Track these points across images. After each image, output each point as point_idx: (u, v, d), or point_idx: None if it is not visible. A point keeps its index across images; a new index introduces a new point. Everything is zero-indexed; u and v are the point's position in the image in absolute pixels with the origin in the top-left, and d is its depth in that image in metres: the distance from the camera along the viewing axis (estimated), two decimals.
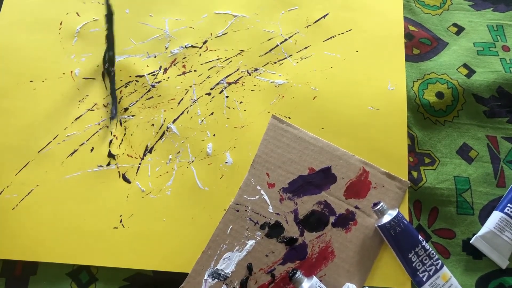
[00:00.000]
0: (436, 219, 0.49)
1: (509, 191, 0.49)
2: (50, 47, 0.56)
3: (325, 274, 0.46)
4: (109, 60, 0.55)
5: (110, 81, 0.54)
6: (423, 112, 0.53)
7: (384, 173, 0.49)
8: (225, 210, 0.48)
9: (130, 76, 0.55)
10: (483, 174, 0.50)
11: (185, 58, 0.56)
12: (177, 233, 0.48)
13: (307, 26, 0.57)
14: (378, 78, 0.54)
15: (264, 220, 0.48)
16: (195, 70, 0.55)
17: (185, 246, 0.47)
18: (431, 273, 0.44)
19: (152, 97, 0.54)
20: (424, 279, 0.44)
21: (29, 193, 0.50)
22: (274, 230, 0.48)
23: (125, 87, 0.55)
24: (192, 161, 0.51)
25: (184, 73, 0.55)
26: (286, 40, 0.57)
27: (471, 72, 0.54)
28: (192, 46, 0.57)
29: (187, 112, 0.53)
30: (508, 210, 0.47)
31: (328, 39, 0.57)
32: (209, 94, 0.54)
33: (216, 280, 0.46)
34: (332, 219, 0.48)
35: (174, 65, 0.56)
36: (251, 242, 0.47)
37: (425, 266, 0.45)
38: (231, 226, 0.48)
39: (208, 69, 0.55)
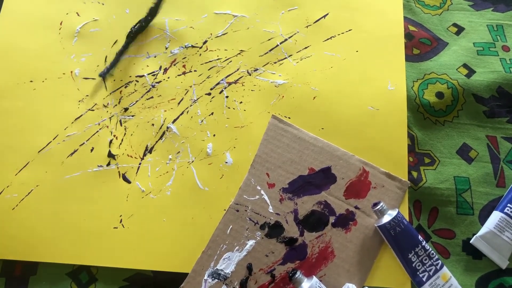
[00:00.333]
0: (436, 219, 0.49)
1: (509, 191, 0.49)
2: (50, 47, 0.56)
3: (325, 274, 0.46)
4: (150, 11, 0.56)
5: (126, 41, 0.55)
6: (423, 112, 0.53)
7: (384, 173, 0.49)
8: (225, 210, 0.48)
9: (130, 76, 0.55)
10: (483, 174, 0.50)
11: (185, 58, 0.56)
12: (177, 233, 0.48)
13: (307, 26, 0.57)
14: (378, 78, 0.54)
15: (264, 220, 0.48)
16: (195, 70, 0.55)
17: (185, 246, 0.47)
18: (431, 273, 0.44)
19: (152, 97, 0.54)
20: (424, 279, 0.44)
21: (29, 193, 0.50)
22: (274, 230, 0.48)
23: (125, 87, 0.55)
24: (192, 161, 0.51)
25: (184, 73, 0.55)
26: (286, 40, 0.57)
27: (471, 72, 0.54)
28: (192, 46, 0.57)
29: (187, 112, 0.53)
30: (508, 210, 0.47)
31: (328, 39, 0.57)
32: (209, 94, 0.54)
33: (216, 280, 0.46)
34: (332, 219, 0.48)
35: (174, 65, 0.56)
36: (251, 242, 0.47)
37: (425, 266, 0.45)
38: (231, 226, 0.48)
39: (208, 69, 0.55)
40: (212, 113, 0.53)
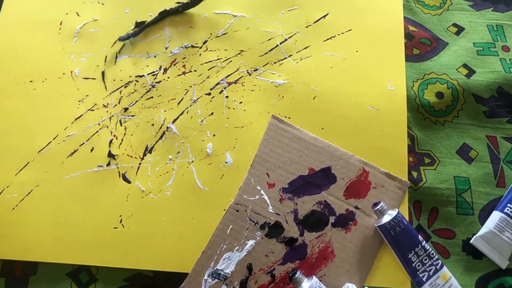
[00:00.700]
0: (436, 219, 0.49)
1: (509, 191, 0.49)
2: (50, 47, 0.56)
3: (325, 274, 0.46)
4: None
5: (158, 16, 0.56)
6: (423, 112, 0.53)
7: (384, 173, 0.49)
8: (225, 210, 0.48)
9: (130, 76, 0.55)
10: (483, 174, 0.50)
11: (185, 58, 0.56)
12: (177, 233, 0.48)
13: (307, 26, 0.57)
14: (378, 78, 0.54)
15: (264, 220, 0.48)
16: (195, 70, 0.55)
17: (185, 246, 0.47)
18: (431, 273, 0.44)
19: (152, 97, 0.54)
20: (424, 279, 0.44)
21: (29, 193, 0.50)
22: (274, 230, 0.48)
23: (125, 87, 0.55)
24: (192, 161, 0.51)
25: (184, 73, 0.55)
26: (286, 40, 0.57)
27: (471, 72, 0.54)
28: (192, 46, 0.57)
29: (187, 112, 0.53)
30: (508, 210, 0.47)
31: (328, 39, 0.57)
32: (209, 94, 0.54)
33: (216, 280, 0.46)
34: (332, 219, 0.48)
35: (174, 65, 0.56)
36: (251, 242, 0.47)
37: (425, 266, 0.45)
38: (231, 226, 0.48)
39: (208, 69, 0.55)
40: (212, 113, 0.53)
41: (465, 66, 0.55)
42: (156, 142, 0.52)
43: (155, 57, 0.56)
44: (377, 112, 0.52)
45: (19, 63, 0.55)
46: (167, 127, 0.53)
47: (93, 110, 0.53)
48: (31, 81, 0.55)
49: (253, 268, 0.46)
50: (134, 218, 0.49)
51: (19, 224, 0.48)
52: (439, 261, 0.45)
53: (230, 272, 0.46)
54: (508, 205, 0.47)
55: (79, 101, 0.54)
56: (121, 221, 0.48)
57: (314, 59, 0.55)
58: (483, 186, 0.50)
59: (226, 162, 0.51)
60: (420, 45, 0.57)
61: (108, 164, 0.51)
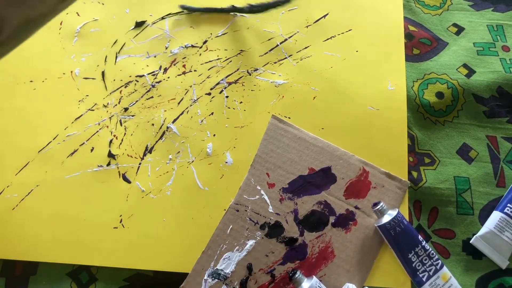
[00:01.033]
0: (436, 219, 0.49)
1: (509, 191, 0.49)
2: (50, 47, 0.56)
3: (325, 274, 0.46)
4: None
5: (239, 8, 0.56)
6: (423, 112, 0.53)
7: (384, 173, 0.49)
8: (225, 210, 0.48)
9: (130, 76, 0.55)
10: (483, 174, 0.50)
11: (185, 58, 0.56)
12: (177, 233, 0.48)
13: (307, 26, 0.57)
14: (378, 78, 0.54)
15: (264, 220, 0.48)
16: (195, 70, 0.55)
17: (185, 246, 0.47)
18: (431, 273, 0.44)
19: (152, 97, 0.54)
20: (424, 279, 0.44)
21: (29, 193, 0.50)
22: (274, 230, 0.48)
23: (125, 87, 0.55)
24: (192, 161, 0.51)
25: (184, 73, 0.55)
26: (286, 40, 0.57)
27: (471, 72, 0.54)
28: (192, 46, 0.57)
29: (187, 112, 0.53)
30: (508, 210, 0.47)
31: (328, 39, 0.57)
32: (209, 94, 0.54)
33: (216, 280, 0.46)
34: (332, 219, 0.48)
35: (174, 65, 0.56)
36: (251, 242, 0.47)
37: (425, 266, 0.45)
38: (231, 226, 0.48)
39: (208, 69, 0.55)
40: (212, 113, 0.53)
41: (465, 66, 0.55)
42: (156, 142, 0.52)
43: (155, 57, 0.56)
44: (377, 112, 0.52)
45: (19, 63, 0.55)
46: (167, 127, 0.52)
47: (93, 110, 0.53)
48: (31, 81, 0.55)
49: (253, 268, 0.46)
50: (134, 218, 0.49)
51: (19, 224, 0.48)
52: (439, 261, 0.45)
53: (230, 272, 0.46)
54: (508, 205, 0.47)
55: (79, 101, 0.54)
56: (121, 221, 0.48)
57: (314, 59, 0.55)
58: (483, 186, 0.50)
59: (226, 162, 0.51)
60: (420, 45, 0.57)
61: (108, 164, 0.51)
